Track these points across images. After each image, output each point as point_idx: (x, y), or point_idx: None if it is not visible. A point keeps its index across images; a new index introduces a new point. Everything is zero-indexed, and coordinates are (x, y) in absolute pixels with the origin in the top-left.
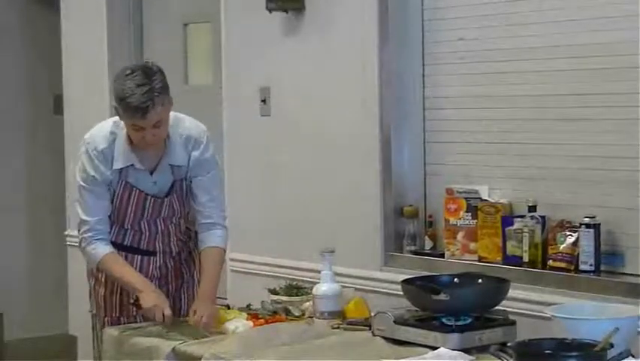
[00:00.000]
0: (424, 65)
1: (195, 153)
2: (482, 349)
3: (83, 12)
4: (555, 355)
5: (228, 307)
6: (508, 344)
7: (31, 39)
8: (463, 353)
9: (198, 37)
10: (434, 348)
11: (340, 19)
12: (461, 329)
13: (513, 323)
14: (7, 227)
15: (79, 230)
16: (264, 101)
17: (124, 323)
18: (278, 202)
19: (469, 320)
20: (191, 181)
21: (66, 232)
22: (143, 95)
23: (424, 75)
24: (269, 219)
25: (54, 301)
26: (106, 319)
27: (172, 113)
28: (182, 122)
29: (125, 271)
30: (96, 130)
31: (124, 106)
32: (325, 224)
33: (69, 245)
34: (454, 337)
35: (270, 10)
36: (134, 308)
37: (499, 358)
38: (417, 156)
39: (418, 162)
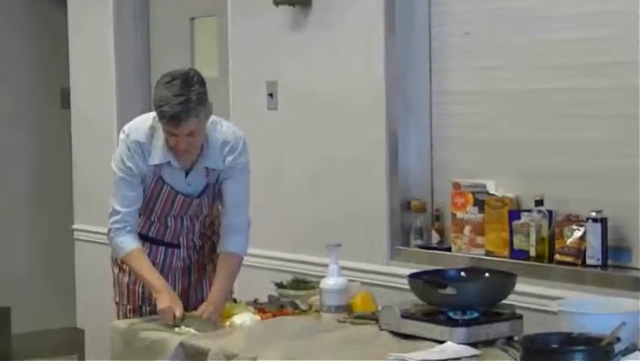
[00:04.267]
0: (430, 59)
1: (230, 158)
2: (489, 343)
3: (90, 6)
4: (562, 349)
5: (235, 301)
6: (515, 338)
7: (38, 32)
8: (469, 347)
9: (205, 32)
10: (441, 342)
11: (347, 14)
12: (468, 323)
13: (520, 317)
14: (15, 221)
15: (109, 219)
16: (270, 95)
17: (146, 312)
18: (284, 196)
19: (476, 314)
20: (221, 183)
21: (73, 226)
22: (177, 106)
23: (430, 70)
24: (275, 213)
25: (61, 294)
26: (129, 307)
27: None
28: (220, 127)
29: (146, 270)
30: (136, 123)
31: (159, 113)
32: (332, 218)
33: (77, 239)
34: (461, 331)
35: (277, 4)
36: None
37: (506, 352)
38: (424, 150)
39: (424, 156)
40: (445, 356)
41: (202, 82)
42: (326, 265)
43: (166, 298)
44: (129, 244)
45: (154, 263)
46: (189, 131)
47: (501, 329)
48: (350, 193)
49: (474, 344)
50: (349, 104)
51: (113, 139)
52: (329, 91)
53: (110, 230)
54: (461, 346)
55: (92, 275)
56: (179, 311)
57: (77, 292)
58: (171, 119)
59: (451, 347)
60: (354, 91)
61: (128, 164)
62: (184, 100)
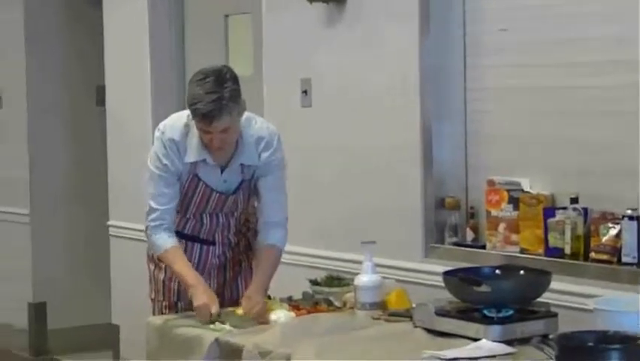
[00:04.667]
0: (465, 56)
1: (265, 154)
2: (524, 341)
3: (125, 3)
4: (597, 347)
5: (270, 297)
6: (550, 337)
7: (75, 30)
8: (504, 345)
9: (239, 29)
10: (475, 340)
11: (381, 9)
12: (503, 321)
13: (555, 315)
14: (51, 217)
15: (146, 217)
16: (305, 92)
17: (182, 308)
18: (319, 193)
19: (511, 312)
20: (257, 180)
21: (109, 223)
22: (210, 104)
23: (465, 65)
24: (309, 210)
25: (96, 290)
26: (164, 303)
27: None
28: (254, 123)
29: (183, 267)
30: (171, 120)
31: (192, 111)
32: (366, 215)
33: (112, 236)
34: (496, 329)
35: (311, 1)
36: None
37: (541, 350)
38: (458, 147)
39: (459, 153)
40: (479, 354)
41: (235, 79)
42: (360, 262)
43: (202, 295)
44: (166, 241)
45: (189, 260)
46: (223, 129)
47: (536, 326)
48: (384, 190)
49: (509, 342)
50: (383, 100)
51: (148, 137)
52: (363, 87)
53: (147, 228)
54: (496, 344)
55: (128, 271)
56: (215, 308)
57: (113, 289)
58: (204, 117)
59: (486, 345)
60: (389, 87)
61: (165, 161)
62: (217, 98)
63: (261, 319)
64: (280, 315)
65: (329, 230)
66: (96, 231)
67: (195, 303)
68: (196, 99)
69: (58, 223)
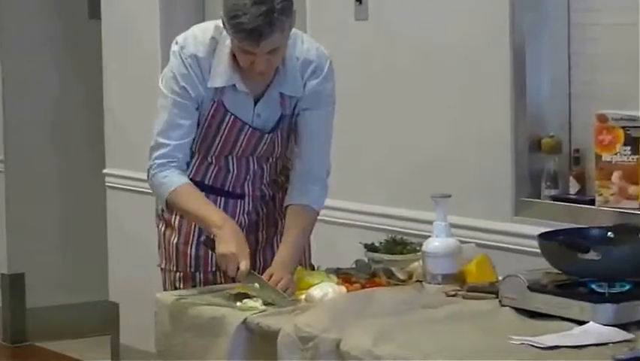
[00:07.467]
0: None
1: (313, 82)
2: None
3: None
4: None
5: (313, 268)
6: None
7: None
8: (618, 330)
9: None
10: (580, 323)
11: None
12: (617, 299)
13: None
14: (31, 163)
15: (150, 155)
16: (359, 1)
17: (200, 281)
18: (375, 131)
19: (627, 287)
20: (298, 114)
21: (105, 171)
22: (258, 18)
23: None
24: (364, 153)
25: (89, 259)
26: (178, 275)
27: None
28: (300, 42)
29: (202, 204)
30: (193, 33)
31: (233, 26)
32: (438, 161)
33: (109, 187)
34: (607, 308)
35: None
36: (205, 249)
37: None
38: (559, 73)
39: (560, 80)
40: (586, 341)
41: None
42: (430, 222)
43: (230, 240)
44: (177, 178)
45: None
46: (270, 49)
47: None
48: (461, 128)
49: (625, 326)
50: (459, 14)
51: (157, 56)
52: None
53: (150, 167)
54: (608, 328)
55: (130, 234)
56: (244, 264)
57: (110, 257)
58: (250, 34)
59: (595, 329)
60: None
61: (182, 83)
62: (267, 10)
63: (290, 295)
64: (327, 290)
65: (391, 180)
66: (89, 181)
67: (219, 250)
68: (240, 11)
69: (41, 171)
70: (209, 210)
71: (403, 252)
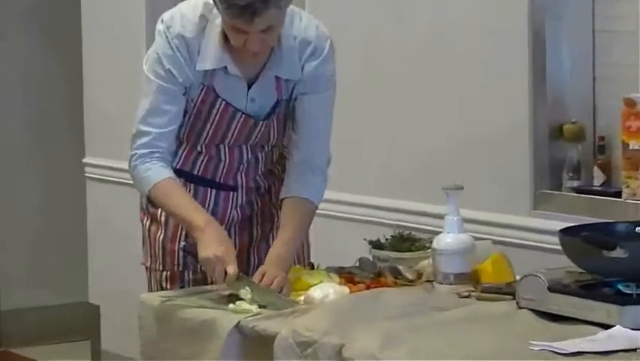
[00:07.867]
0: None
1: (312, 64)
2: None
3: None
4: None
5: (312, 267)
6: None
7: None
8: None
9: None
10: (606, 327)
11: None
12: None
13: None
14: (3, 151)
15: (132, 144)
16: None
17: (189, 281)
18: (381, 117)
19: None
20: (296, 99)
21: (84, 160)
22: None
23: None
24: (368, 142)
25: (67, 257)
26: (164, 274)
27: None
28: (297, 20)
29: (183, 204)
30: (180, 10)
31: (224, 2)
32: (450, 150)
33: (88, 178)
34: (636, 311)
35: None
36: (185, 255)
37: None
38: (583, 52)
39: (584, 61)
40: (612, 347)
41: None
42: (442, 217)
43: (213, 242)
44: (159, 172)
45: None
46: (265, 27)
47: None
48: (476, 113)
49: None
50: None
51: (141, 36)
52: None
53: (131, 157)
54: (636, 332)
55: (112, 230)
56: (232, 267)
57: (90, 255)
58: (244, 11)
59: (622, 334)
60: None
61: (168, 66)
62: None
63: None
64: (328, 291)
65: (397, 170)
66: (68, 172)
67: (202, 253)
68: None
69: (17, 162)
70: (191, 210)
71: (411, 249)
